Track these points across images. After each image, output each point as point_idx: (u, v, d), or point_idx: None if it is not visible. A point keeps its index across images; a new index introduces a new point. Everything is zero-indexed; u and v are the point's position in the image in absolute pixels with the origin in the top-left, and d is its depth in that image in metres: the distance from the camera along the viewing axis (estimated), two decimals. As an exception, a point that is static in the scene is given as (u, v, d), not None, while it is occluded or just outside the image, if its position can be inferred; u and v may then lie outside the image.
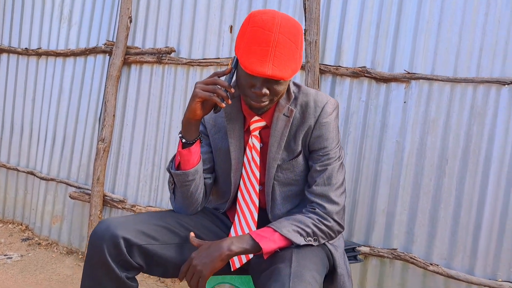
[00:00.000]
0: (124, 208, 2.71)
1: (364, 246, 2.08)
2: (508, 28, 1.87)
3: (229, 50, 2.44)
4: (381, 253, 2.05)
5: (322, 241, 1.27)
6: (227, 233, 1.39)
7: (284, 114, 1.31)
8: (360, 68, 2.10)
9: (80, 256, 2.88)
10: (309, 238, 1.23)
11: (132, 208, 2.67)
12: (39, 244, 3.01)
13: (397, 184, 2.07)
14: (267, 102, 1.21)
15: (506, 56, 1.87)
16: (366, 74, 2.08)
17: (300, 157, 1.34)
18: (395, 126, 2.07)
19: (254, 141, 1.35)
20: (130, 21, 2.66)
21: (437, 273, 1.93)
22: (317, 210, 1.28)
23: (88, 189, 2.84)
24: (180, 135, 1.30)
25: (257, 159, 1.35)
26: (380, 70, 2.09)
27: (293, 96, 1.34)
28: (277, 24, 1.12)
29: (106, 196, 2.77)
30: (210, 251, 1.13)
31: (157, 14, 2.66)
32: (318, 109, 1.32)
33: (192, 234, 1.23)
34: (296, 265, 1.11)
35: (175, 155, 1.35)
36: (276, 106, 1.31)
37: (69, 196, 2.90)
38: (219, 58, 2.44)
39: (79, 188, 2.91)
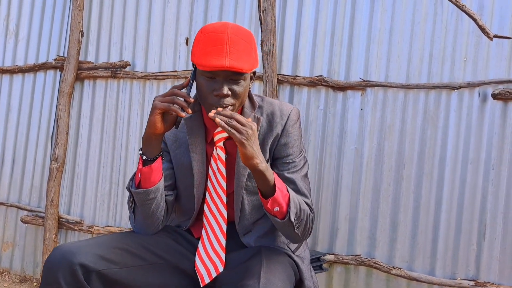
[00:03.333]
0: (81, 230, 2.60)
1: (329, 254, 2.08)
2: (455, 35, 1.96)
3: (186, 62, 2.42)
4: (345, 260, 2.06)
5: (297, 231, 1.26)
6: (192, 251, 1.35)
7: None
8: (317, 77, 2.12)
9: (35, 284, 2.72)
10: (297, 222, 1.24)
11: (90, 229, 2.56)
12: (-12, 273, 2.83)
13: (358, 190, 2.10)
14: (230, 106, 1.20)
15: (454, 62, 1.96)
16: (323, 83, 2.11)
17: (268, 165, 1.33)
18: (353, 133, 2.11)
19: (219, 152, 1.32)
20: (82, 35, 2.58)
21: (400, 276, 1.97)
22: (308, 203, 1.31)
23: (41, 212, 2.70)
24: (141, 152, 1.26)
25: (223, 170, 1.32)
26: (337, 78, 2.13)
27: (257, 105, 1.34)
28: (228, 27, 1.19)
29: (61, 218, 2.64)
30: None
31: (110, 28, 2.60)
32: (284, 117, 1.34)
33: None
34: (264, 281, 1.09)
35: (135, 173, 1.30)
36: (242, 115, 1.30)
37: (21, 220, 2.75)
38: (176, 71, 2.41)
39: (32, 211, 2.76)
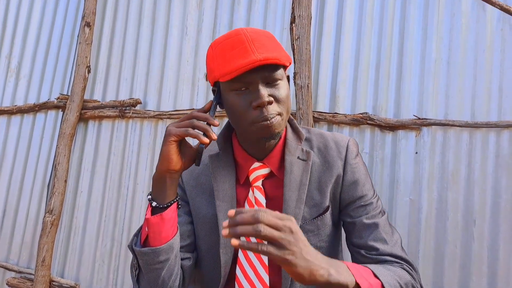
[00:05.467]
0: (75, 296, 2.18)
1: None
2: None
3: (204, 99, 2.11)
4: None
5: None
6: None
7: (299, 158, 0.97)
8: (361, 115, 1.79)
9: None
10: None
11: (85, 296, 2.14)
12: None
13: (415, 253, 1.69)
14: (277, 117, 0.91)
15: (532, 95, 1.62)
16: (368, 121, 1.77)
17: (328, 214, 0.98)
18: (407, 182, 1.74)
19: (258, 195, 0.99)
20: (89, 71, 2.31)
21: None
22: (405, 267, 0.94)
23: (31, 274, 2.30)
24: (149, 196, 0.93)
25: None
26: (384, 116, 1.79)
27: (304, 136, 1.01)
28: (242, 29, 0.95)
29: (54, 281, 2.24)
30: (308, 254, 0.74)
31: (121, 63, 2.32)
32: (342, 150, 1.02)
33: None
34: None
35: (141, 227, 0.95)
36: (285, 148, 0.98)
37: (7, 284, 2.35)
38: (193, 109, 2.09)
39: (20, 272, 2.36)
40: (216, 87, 0.97)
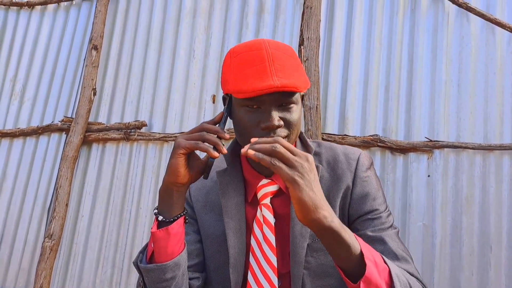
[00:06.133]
0: (72, 326, 2.08)
1: None
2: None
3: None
4: None
5: None
6: None
7: None
8: (371, 137, 1.76)
9: None
10: None
11: (83, 326, 2.05)
12: None
13: (430, 280, 1.62)
14: (284, 138, 0.87)
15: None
16: (379, 143, 1.74)
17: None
18: (419, 206, 1.69)
19: (266, 213, 0.94)
20: (94, 94, 2.29)
21: None
22: (416, 275, 0.87)
23: (26, 302, 2.21)
24: (156, 210, 0.88)
25: (272, 239, 0.92)
26: (395, 138, 1.76)
27: (313, 150, 0.97)
28: (265, 42, 0.90)
29: (50, 310, 2.14)
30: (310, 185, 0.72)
31: (127, 86, 2.31)
32: (352, 163, 0.97)
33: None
34: None
35: (146, 244, 0.90)
36: None
37: (1, 312, 2.25)
38: (199, 130, 2.06)
39: (15, 300, 2.27)
40: (228, 96, 0.94)
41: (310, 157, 0.74)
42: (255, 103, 0.87)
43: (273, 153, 0.72)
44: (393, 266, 0.80)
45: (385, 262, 0.78)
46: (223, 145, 0.86)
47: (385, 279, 0.76)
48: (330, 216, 0.72)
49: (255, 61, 0.86)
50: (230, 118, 0.96)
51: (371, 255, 0.76)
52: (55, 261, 2.20)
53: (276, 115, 0.85)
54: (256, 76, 0.84)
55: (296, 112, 0.89)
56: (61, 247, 2.23)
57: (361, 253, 0.74)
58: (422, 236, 1.66)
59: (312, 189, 0.72)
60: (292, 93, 0.87)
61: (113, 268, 2.13)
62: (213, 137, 0.85)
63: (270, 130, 0.85)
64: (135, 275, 2.08)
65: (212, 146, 0.84)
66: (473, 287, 1.58)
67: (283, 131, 0.87)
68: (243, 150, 0.74)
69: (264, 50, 0.87)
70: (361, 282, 0.73)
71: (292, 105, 0.87)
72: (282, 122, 0.86)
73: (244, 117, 0.88)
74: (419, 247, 1.66)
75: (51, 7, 2.61)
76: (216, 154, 0.82)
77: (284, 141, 0.73)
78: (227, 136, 0.86)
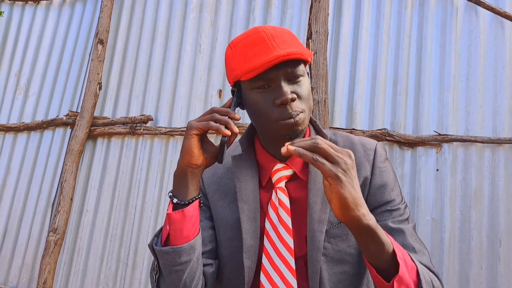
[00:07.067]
0: (77, 321, 2.07)
1: None
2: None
3: (217, 116, 2.07)
4: None
5: None
6: None
7: None
8: (379, 131, 1.75)
9: None
10: None
11: (87, 321, 2.03)
12: None
13: (439, 275, 1.61)
14: (301, 114, 0.89)
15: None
16: (387, 137, 1.73)
17: None
18: (428, 200, 1.68)
19: (281, 196, 0.93)
20: (100, 88, 2.29)
21: None
22: (433, 269, 0.86)
23: (30, 297, 2.20)
24: (171, 193, 0.88)
25: (289, 221, 0.91)
26: (403, 132, 1.75)
27: (329, 138, 0.98)
28: (261, 27, 0.93)
29: (54, 305, 2.13)
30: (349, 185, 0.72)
31: (132, 80, 2.30)
32: (370, 152, 0.97)
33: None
34: None
35: (161, 228, 0.89)
36: None
37: (4, 307, 2.24)
38: (205, 125, 2.06)
39: (19, 295, 2.25)
40: (236, 87, 0.94)
41: (352, 153, 0.74)
42: (264, 82, 0.87)
43: (315, 149, 0.71)
44: (420, 265, 0.80)
45: (412, 260, 0.78)
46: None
47: (413, 278, 0.76)
48: (368, 214, 0.72)
49: (256, 41, 0.88)
50: (242, 108, 0.96)
51: (402, 254, 0.76)
52: (59, 255, 2.19)
53: (288, 89, 0.86)
54: (260, 53, 0.86)
55: (305, 85, 0.90)
56: (65, 242, 2.22)
57: (393, 252, 0.74)
58: (431, 230, 1.66)
59: (354, 187, 0.71)
60: (298, 63, 0.88)
61: (117, 263, 2.12)
62: (224, 117, 0.85)
63: (286, 105, 0.86)
64: (140, 270, 2.07)
65: (223, 126, 0.85)
66: (482, 281, 1.56)
67: (298, 105, 0.87)
68: (283, 149, 0.73)
69: (262, 32, 0.89)
70: (394, 281, 0.73)
71: (300, 77, 0.89)
72: (295, 95, 0.87)
73: (257, 99, 0.88)
74: (428, 242, 1.65)
75: (56, 1, 2.60)
76: (227, 132, 0.83)
77: (325, 140, 0.73)
78: (238, 116, 0.86)
